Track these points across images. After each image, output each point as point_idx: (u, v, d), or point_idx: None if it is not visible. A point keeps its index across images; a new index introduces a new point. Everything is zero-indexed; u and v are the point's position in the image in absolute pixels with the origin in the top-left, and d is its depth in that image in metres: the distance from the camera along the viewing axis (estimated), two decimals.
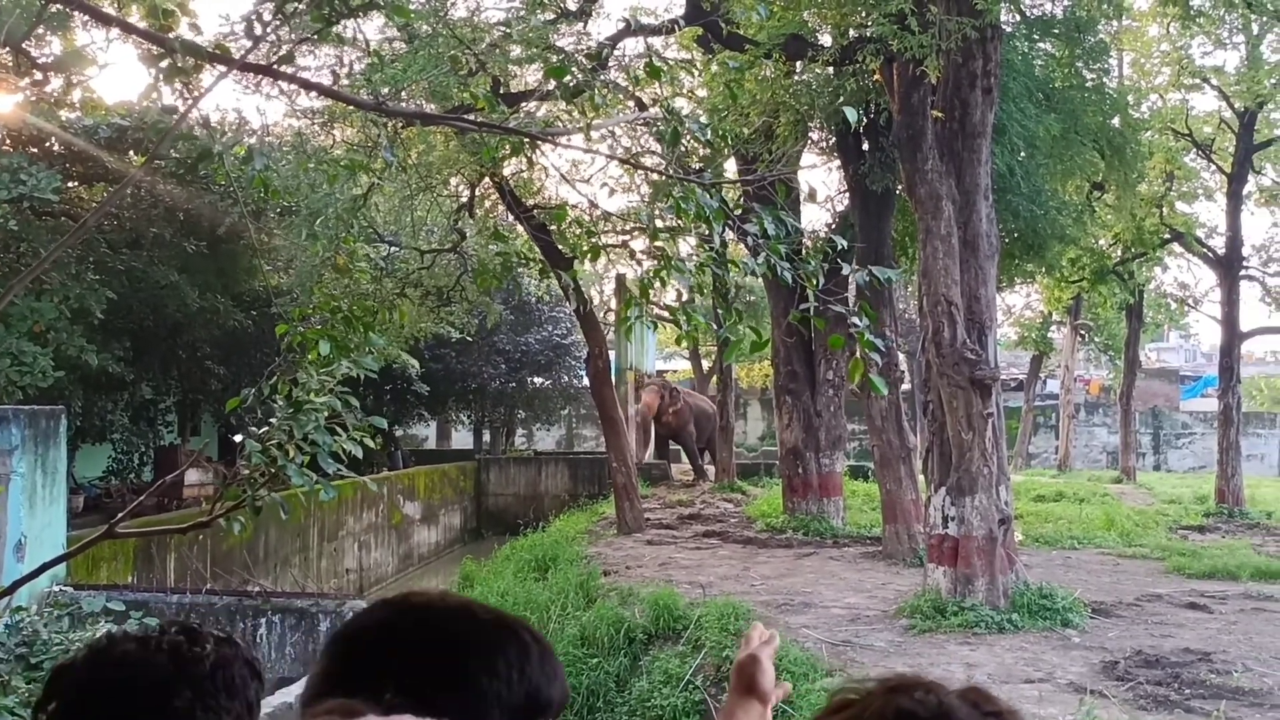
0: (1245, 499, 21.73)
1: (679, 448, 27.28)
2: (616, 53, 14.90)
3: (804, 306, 3.39)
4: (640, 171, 15.91)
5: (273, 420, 3.39)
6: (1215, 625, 11.24)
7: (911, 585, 12.33)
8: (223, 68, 2.89)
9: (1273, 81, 19.75)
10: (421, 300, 18.69)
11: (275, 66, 3.07)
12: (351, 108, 9.13)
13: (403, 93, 12.40)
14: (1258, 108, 20.55)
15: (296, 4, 2.77)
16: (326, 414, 3.49)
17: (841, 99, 11.86)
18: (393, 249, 18.72)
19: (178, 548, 14.25)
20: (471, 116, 5.80)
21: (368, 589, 20.16)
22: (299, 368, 3.61)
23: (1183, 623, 11.32)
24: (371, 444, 3.82)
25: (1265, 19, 17.98)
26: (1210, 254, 23.05)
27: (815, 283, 3.31)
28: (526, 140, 3.52)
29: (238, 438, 3.71)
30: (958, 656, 9.82)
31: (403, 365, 19.97)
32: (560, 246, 15.53)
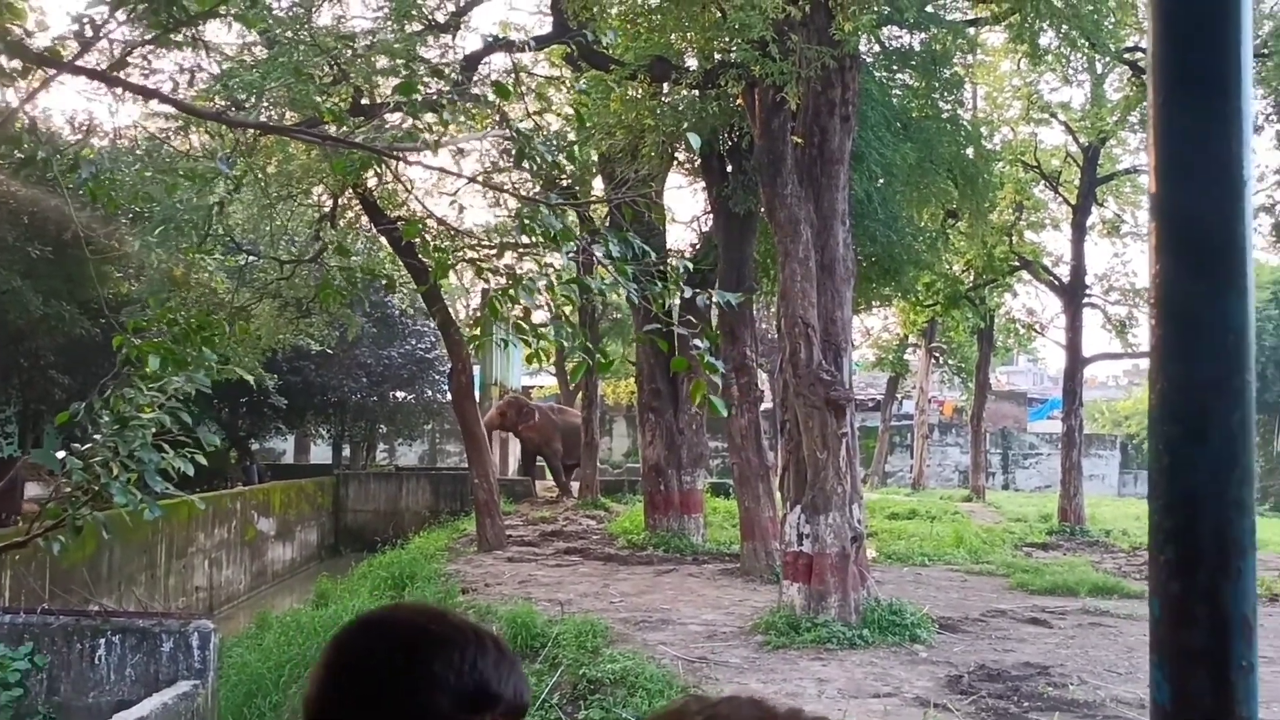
0: (1086, 517, 22.70)
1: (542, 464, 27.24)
2: (488, 68, 14.86)
3: (648, 328, 3.43)
4: (506, 188, 15.88)
5: (97, 436, 3.28)
6: (1054, 640, 11.68)
7: (768, 601, 12.51)
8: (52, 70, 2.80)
9: (1115, 118, 20.74)
10: (280, 311, 18.26)
11: (111, 71, 2.97)
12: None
13: (263, 100, 12.15)
14: (1101, 143, 21.56)
15: (130, 7, 2.68)
16: (155, 430, 3.38)
17: (695, 122, 12.05)
18: (250, 258, 18.26)
19: (13, 565, 13.59)
20: (331, 129, 5.71)
21: (218, 607, 19.55)
22: (131, 382, 3.49)
23: (1024, 637, 11.74)
24: (204, 461, 3.70)
25: (1108, 59, 18.87)
26: (1056, 282, 24.05)
27: (661, 304, 3.36)
28: (375, 155, 3.48)
29: (60, 454, 3.57)
30: (810, 672, 9.99)
31: (258, 378, 19.49)
32: (425, 260, 15.38)
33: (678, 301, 3.46)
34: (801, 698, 9.27)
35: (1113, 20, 15.87)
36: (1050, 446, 38.52)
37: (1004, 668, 10.15)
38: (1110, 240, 25.14)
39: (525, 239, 3.65)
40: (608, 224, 18.93)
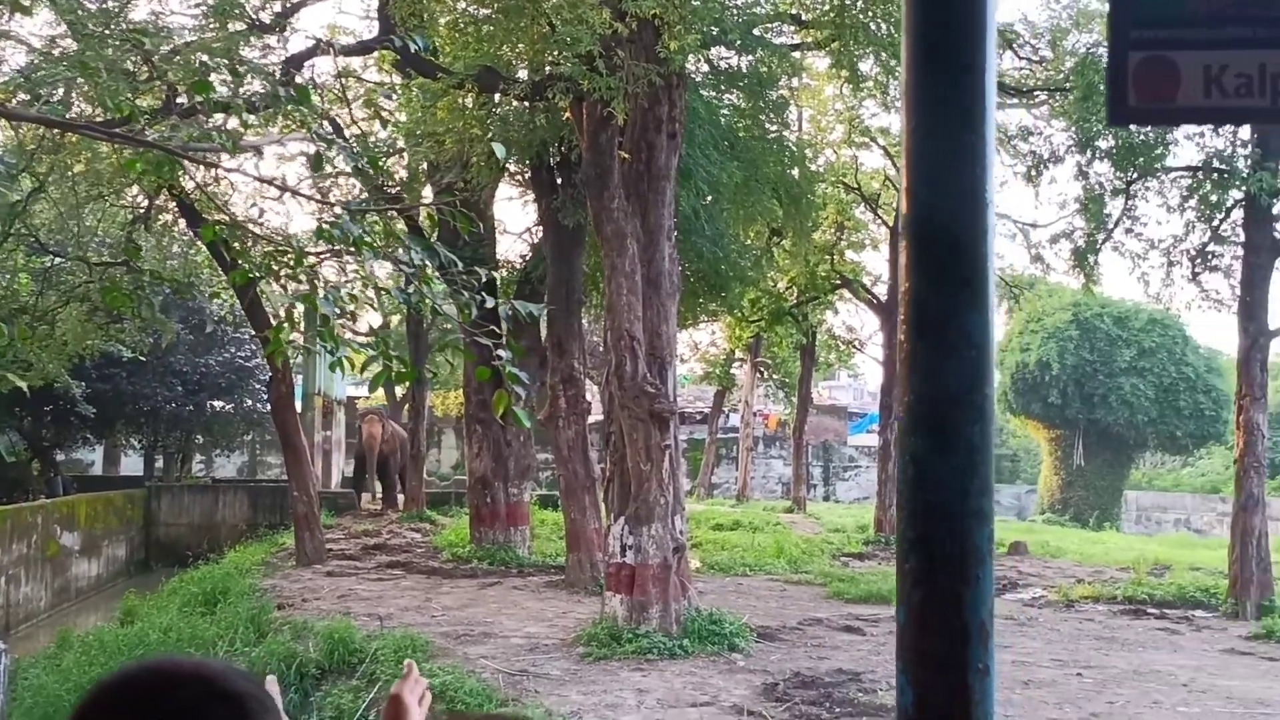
0: None
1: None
2: (312, 71, 14.52)
3: (449, 339, 3.42)
4: (329, 193, 15.55)
5: None
6: (867, 646, 12.05)
7: (591, 613, 12.53)
8: None
9: None
10: (89, 316, 17.41)
11: None
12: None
13: (74, 95, 11.57)
14: None
15: None
16: None
17: (524, 134, 12.04)
18: (57, 260, 17.37)
19: None
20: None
21: (15, 627, 18.48)
22: None
23: (839, 645, 12.08)
24: None
25: None
26: (874, 300, 24.91)
27: (468, 314, 3.34)
28: (168, 155, 3.35)
29: None
30: (630, 683, 10.05)
31: (65, 385, 18.55)
32: (244, 264, 14.89)
33: (506, 311, 3.43)
34: (621, 709, 9.32)
35: None
36: (869, 459, 39.75)
37: (818, 675, 10.41)
38: None
39: (335, 245, 3.58)
40: (435, 234, 18.75)
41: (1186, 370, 37.31)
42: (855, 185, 24.14)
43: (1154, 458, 43.72)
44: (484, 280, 3.39)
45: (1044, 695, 10.10)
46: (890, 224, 23.80)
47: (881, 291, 24.84)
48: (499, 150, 3.90)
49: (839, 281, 25.49)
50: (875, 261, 27.64)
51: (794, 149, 17.88)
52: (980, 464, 1.19)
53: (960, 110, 1.22)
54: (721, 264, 17.10)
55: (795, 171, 17.60)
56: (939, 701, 1.18)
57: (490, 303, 3.26)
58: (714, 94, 16.05)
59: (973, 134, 1.21)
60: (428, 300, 3.31)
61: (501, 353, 3.17)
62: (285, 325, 3.61)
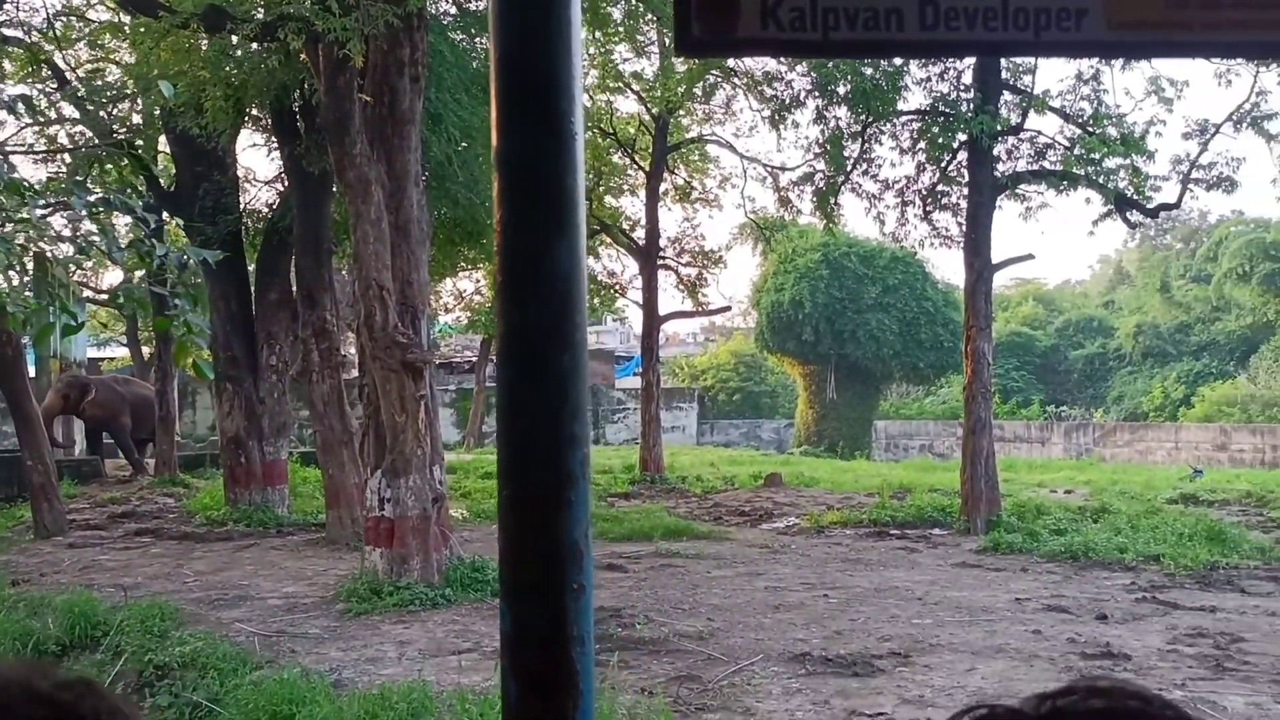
0: (665, 466, 24.11)
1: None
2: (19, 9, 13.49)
3: (120, 285, 3.25)
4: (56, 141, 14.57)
5: None
6: (628, 583, 12.33)
7: (352, 569, 12.35)
8: None
9: (682, 90, 21.95)
10: None
11: None
12: None
13: None
14: (670, 113, 22.76)
15: None
16: None
17: (262, 77, 11.56)
18: None
19: None
20: None
21: None
22: None
23: (601, 583, 12.29)
24: None
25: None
26: (634, 244, 25.24)
27: (150, 264, 3.19)
28: None
29: None
30: (391, 636, 9.98)
31: None
32: None
33: (179, 258, 3.27)
34: (382, 662, 9.25)
35: None
36: (637, 401, 40.50)
37: None
38: (682, 205, 26.70)
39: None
40: (173, 185, 17.82)
41: (926, 305, 39.55)
42: (611, 130, 24.28)
43: (900, 388, 46.25)
44: (149, 223, 3.23)
45: (793, 617, 10.61)
46: (646, 169, 24.10)
47: (640, 236, 25.16)
48: (166, 89, 3.72)
49: (598, 227, 25.66)
50: (633, 206, 27.87)
51: None
52: (571, 391, 1.22)
53: (547, 40, 1.23)
54: (478, 210, 16.91)
55: None
56: (537, 622, 1.22)
57: (162, 251, 3.13)
58: (464, 37, 15.80)
59: (558, 63, 1.22)
60: (100, 249, 3.14)
61: (180, 301, 3.03)
62: None
